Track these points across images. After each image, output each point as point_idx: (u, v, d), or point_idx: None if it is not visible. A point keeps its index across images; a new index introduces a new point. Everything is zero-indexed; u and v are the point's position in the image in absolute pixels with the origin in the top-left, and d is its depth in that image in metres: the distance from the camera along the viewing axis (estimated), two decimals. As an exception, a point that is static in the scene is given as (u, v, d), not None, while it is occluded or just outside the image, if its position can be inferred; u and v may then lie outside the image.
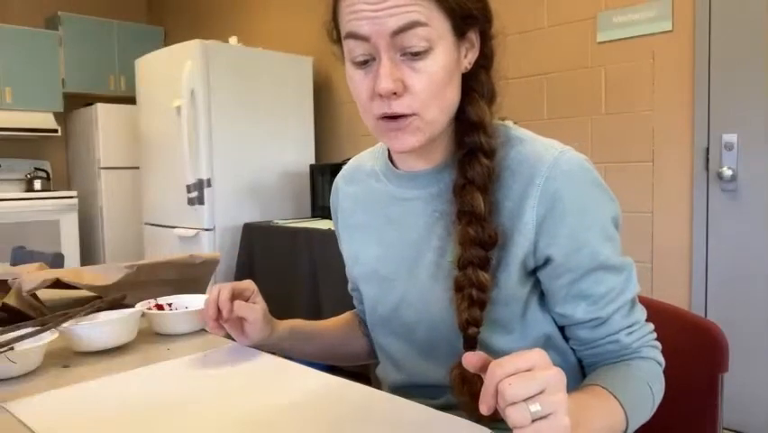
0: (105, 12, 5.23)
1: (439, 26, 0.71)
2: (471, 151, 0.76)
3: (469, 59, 0.77)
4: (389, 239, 0.87)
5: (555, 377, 0.52)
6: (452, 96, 0.75)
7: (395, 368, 0.91)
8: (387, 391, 0.91)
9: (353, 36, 0.71)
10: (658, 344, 0.80)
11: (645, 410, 0.75)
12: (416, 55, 0.70)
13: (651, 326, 0.80)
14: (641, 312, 0.80)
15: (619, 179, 2.53)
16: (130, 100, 4.35)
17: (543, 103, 2.77)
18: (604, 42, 2.57)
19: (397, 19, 0.68)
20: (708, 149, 2.31)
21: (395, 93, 0.71)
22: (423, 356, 0.85)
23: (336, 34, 0.78)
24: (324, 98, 3.93)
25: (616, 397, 0.70)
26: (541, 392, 0.51)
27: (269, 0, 4.31)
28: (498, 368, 0.52)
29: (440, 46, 0.71)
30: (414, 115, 0.72)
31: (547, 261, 0.75)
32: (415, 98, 0.72)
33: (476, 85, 0.78)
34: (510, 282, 0.76)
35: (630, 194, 2.51)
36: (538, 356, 0.53)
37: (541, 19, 2.76)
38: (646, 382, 0.76)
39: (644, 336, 0.79)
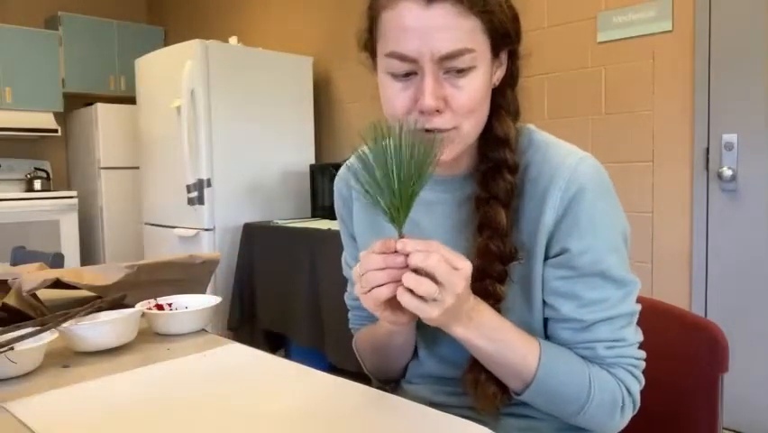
0: (105, 12, 5.23)
1: (482, 47, 0.72)
2: (496, 166, 0.78)
3: (497, 75, 0.79)
4: None
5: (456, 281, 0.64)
6: (486, 110, 0.77)
7: (415, 362, 0.91)
8: (408, 379, 0.92)
9: (399, 57, 0.71)
10: (638, 373, 0.78)
11: (570, 390, 0.74)
12: (459, 74, 0.71)
13: (641, 353, 0.78)
14: (633, 334, 0.78)
15: (619, 179, 2.52)
16: (130, 100, 4.34)
17: (543, 103, 2.77)
18: (604, 42, 2.57)
19: (446, 44, 0.69)
20: (708, 149, 2.31)
21: (437, 110, 0.71)
22: (443, 360, 0.86)
23: (370, 45, 0.78)
24: (324, 98, 3.93)
25: (540, 346, 0.74)
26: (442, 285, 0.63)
27: (269, 0, 4.32)
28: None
29: (481, 65, 0.73)
30: (453, 129, 0.73)
31: (554, 255, 0.77)
32: (456, 115, 0.73)
33: (503, 102, 0.80)
34: (536, 285, 0.78)
35: (630, 194, 2.51)
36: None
37: (541, 19, 2.76)
38: (588, 374, 0.74)
39: (624, 356, 0.76)
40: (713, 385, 0.86)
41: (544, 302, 0.78)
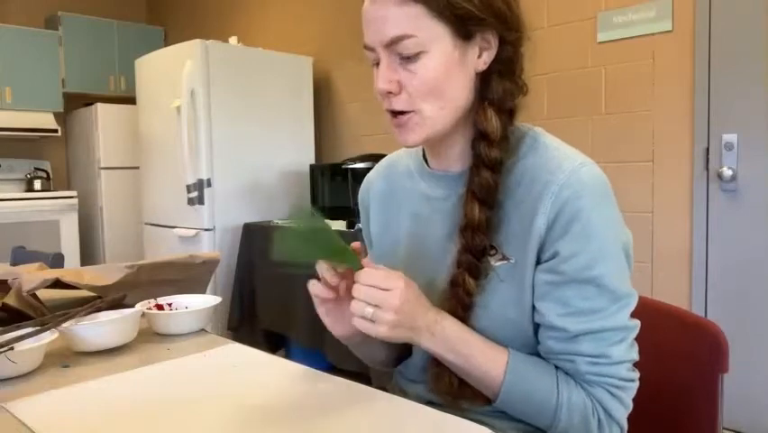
0: (105, 12, 5.22)
1: (431, 31, 0.73)
2: (478, 161, 0.78)
3: (484, 58, 0.77)
4: (418, 237, 0.87)
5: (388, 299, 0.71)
6: (455, 95, 0.76)
7: (410, 360, 0.91)
8: (407, 376, 0.92)
9: (365, 47, 0.79)
10: (622, 395, 0.74)
11: (534, 411, 0.75)
12: (408, 59, 0.75)
13: (630, 374, 0.75)
14: (624, 352, 0.74)
15: (619, 179, 2.53)
16: (130, 100, 4.34)
17: (543, 103, 2.77)
18: (604, 42, 2.57)
19: (387, 32, 0.74)
20: (708, 149, 2.31)
21: (390, 92, 0.76)
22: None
23: None
24: (324, 98, 3.93)
25: (507, 364, 0.75)
26: (378, 306, 0.71)
27: (269, 0, 4.32)
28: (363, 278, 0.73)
29: (434, 49, 0.74)
30: (411, 112, 0.77)
31: (546, 260, 0.75)
32: (410, 97, 0.76)
33: (486, 91, 0.78)
34: (528, 290, 0.77)
35: (630, 194, 2.51)
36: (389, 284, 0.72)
37: (541, 19, 2.76)
38: (556, 395, 0.74)
39: (606, 375, 0.74)
40: (713, 385, 0.86)
41: (534, 307, 0.77)
